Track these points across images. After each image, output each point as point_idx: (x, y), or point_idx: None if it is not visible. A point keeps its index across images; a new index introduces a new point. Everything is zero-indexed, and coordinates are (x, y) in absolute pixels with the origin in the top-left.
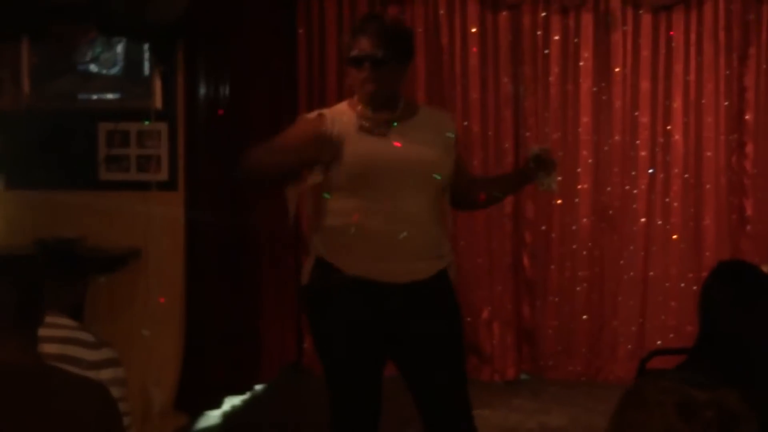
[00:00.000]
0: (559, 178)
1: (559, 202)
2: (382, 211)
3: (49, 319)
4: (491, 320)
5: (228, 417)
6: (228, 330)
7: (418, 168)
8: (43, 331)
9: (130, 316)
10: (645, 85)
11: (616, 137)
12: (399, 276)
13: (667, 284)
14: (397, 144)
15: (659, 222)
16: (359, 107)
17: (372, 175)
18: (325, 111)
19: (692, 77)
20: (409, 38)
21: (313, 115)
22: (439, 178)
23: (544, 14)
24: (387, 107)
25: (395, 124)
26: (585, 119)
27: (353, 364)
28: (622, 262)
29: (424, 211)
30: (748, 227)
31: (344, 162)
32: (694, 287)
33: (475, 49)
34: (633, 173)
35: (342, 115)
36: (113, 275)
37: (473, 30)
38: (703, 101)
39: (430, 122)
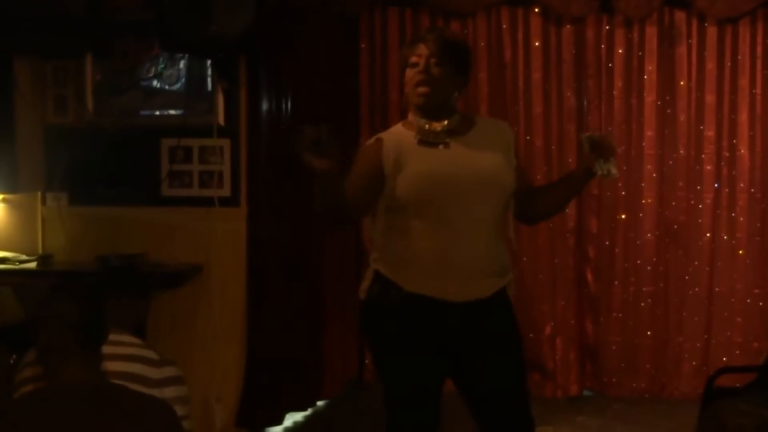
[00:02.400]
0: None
1: (623, 216)
2: (443, 227)
3: (112, 336)
4: (554, 336)
5: None
6: (290, 346)
7: (482, 179)
8: (106, 349)
9: (193, 333)
10: (710, 98)
11: (681, 151)
12: (458, 294)
13: (732, 300)
14: (459, 155)
15: (725, 237)
16: (415, 121)
17: (436, 189)
18: (383, 135)
19: (758, 91)
20: (465, 52)
21: (371, 141)
22: (503, 188)
23: (607, 28)
24: (441, 117)
25: (452, 135)
26: (649, 133)
27: (411, 381)
28: (687, 277)
29: (487, 225)
30: None
31: (407, 178)
32: (761, 303)
33: (538, 63)
34: (698, 187)
35: (399, 135)
36: (175, 291)
37: (536, 44)
38: None
39: (488, 132)
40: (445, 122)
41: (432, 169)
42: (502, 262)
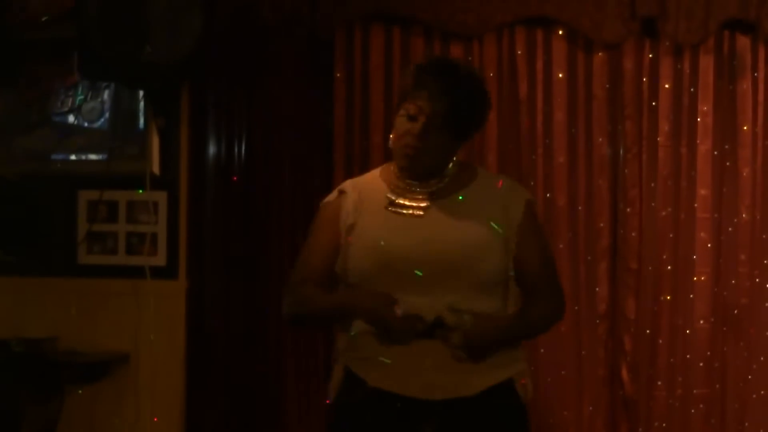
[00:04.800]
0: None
1: (668, 298)
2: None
3: None
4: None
5: None
6: None
7: (453, 259)
8: None
9: None
10: None
11: (744, 215)
12: (433, 391)
13: None
14: (431, 224)
15: None
16: (393, 176)
17: (390, 270)
18: (348, 185)
19: None
20: (482, 113)
21: (333, 196)
22: (477, 274)
23: (651, 56)
24: (429, 177)
25: (434, 197)
26: (703, 192)
27: None
28: (750, 377)
29: (472, 309)
30: None
31: (357, 249)
32: None
33: (561, 100)
34: (765, 262)
35: (369, 187)
36: (95, 387)
37: (560, 75)
38: None
39: (485, 196)
40: (432, 186)
41: (391, 242)
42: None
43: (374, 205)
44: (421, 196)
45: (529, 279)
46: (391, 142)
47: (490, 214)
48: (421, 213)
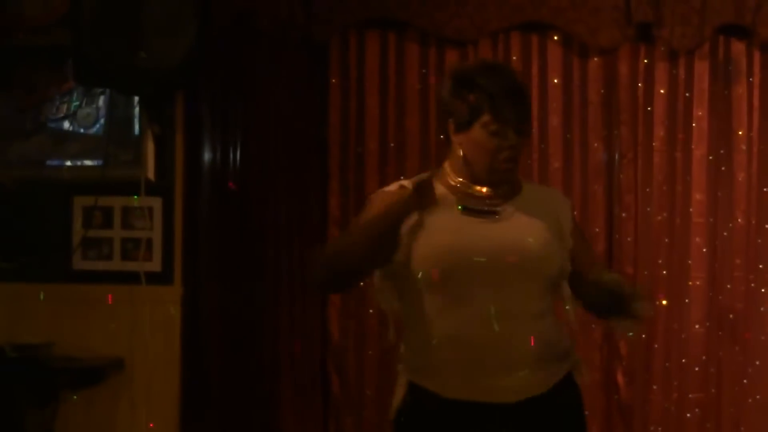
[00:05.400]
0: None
1: (664, 303)
2: (479, 313)
3: None
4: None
5: None
6: None
7: (524, 259)
8: None
9: None
10: None
11: (739, 220)
12: (508, 394)
13: None
14: (500, 228)
15: None
16: (458, 181)
17: (462, 270)
18: (407, 182)
19: None
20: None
21: (392, 187)
22: (547, 274)
23: (646, 61)
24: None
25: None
26: (698, 196)
27: None
28: (745, 381)
29: (531, 309)
30: None
31: (426, 252)
32: None
33: (557, 105)
34: (760, 266)
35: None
36: (90, 392)
37: (555, 81)
38: None
39: (538, 202)
40: (494, 191)
41: (462, 243)
42: (559, 346)
43: (441, 207)
44: (488, 200)
45: (587, 266)
46: (470, 161)
47: (547, 216)
48: (495, 216)
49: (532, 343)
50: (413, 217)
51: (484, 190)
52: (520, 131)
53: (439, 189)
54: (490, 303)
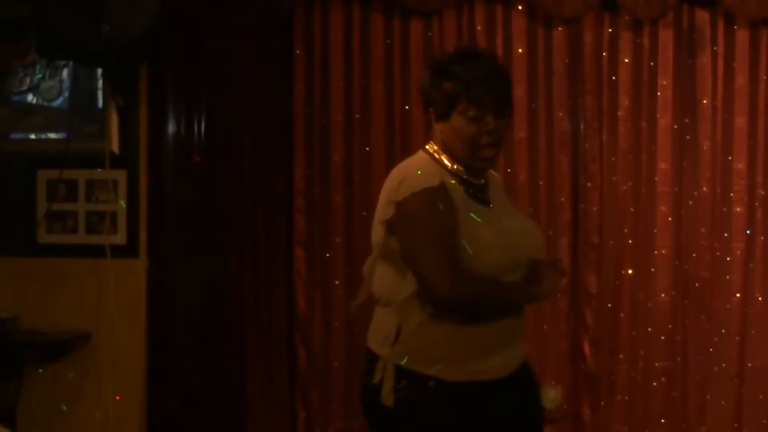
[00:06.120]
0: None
1: (630, 272)
2: None
3: None
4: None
5: None
6: None
7: (536, 247)
8: None
9: (77, 420)
10: (740, 121)
11: (704, 188)
12: (502, 369)
13: None
14: (507, 218)
15: (759, 298)
16: (454, 167)
17: (493, 260)
18: (436, 173)
19: None
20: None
21: (435, 182)
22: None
23: (610, 30)
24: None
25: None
26: (663, 165)
27: None
28: (711, 349)
29: None
30: None
31: (489, 247)
32: None
33: (521, 75)
34: (725, 235)
35: (444, 178)
36: (55, 366)
37: (519, 51)
38: None
39: (495, 181)
40: (482, 177)
41: (495, 231)
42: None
43: (462, 199)
44: (484, 191)
45: None
46: (449, 147)
47: (505, 195)
48: (490, 205)
49: (518, 324)
50: (461, 209)
51: (481, 179)
52: (499, 115)
53: (441, 172)
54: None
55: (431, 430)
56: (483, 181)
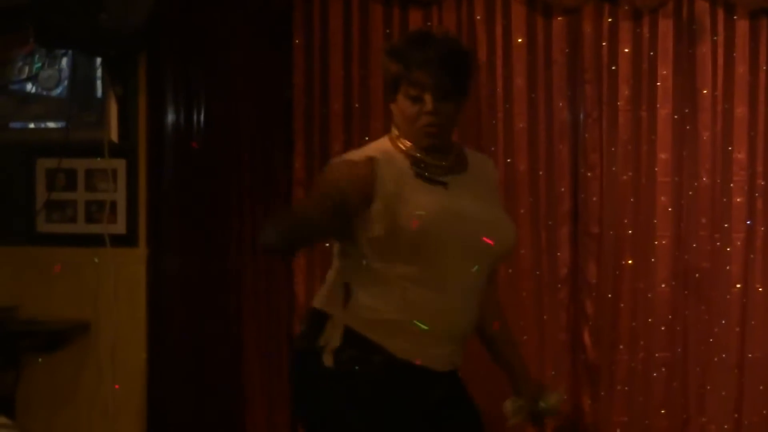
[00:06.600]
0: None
1: (630, 262)
2: (444, 283)
3: None
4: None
5: None
6: (202, 426)
7: (488, 232)
8: None
9: (77, 409)
10: (741, 111)
11: (704, 179)
12: (445, 363)
13: None
14: (461, 199)
15: (759, 288)
16: (408, 147)
17: (439, 236)
18: (372, 153)
19: None
20: (471, 69)
21: (358, 156)
22: (503, 248)
23: (610, 20)
24: (440, 151)
25: (450, 173)
26: (663, 156)
27: None
28: (711, 340)
29: (481, 285)
30: None
31: (406, 217)
32: None
33: (521, 65)
34: (726, 225)
35: (392, 158)
36: (54, 356)
37: (519, 41)
38: None
39: (483, 173)
40: (444, 160)
41: (437, 210)
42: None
43: (405, 175)
44: (440, 171)
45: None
46: (399, 127)
47: (493, 189)
48: (446, 188)
49: (472, 324)
50: (389, 188)
51: (443, 162)
52: (439, 97)
53: (398, 155)
54: (458, 275)
55: (366, 404)
56: (445, 164)
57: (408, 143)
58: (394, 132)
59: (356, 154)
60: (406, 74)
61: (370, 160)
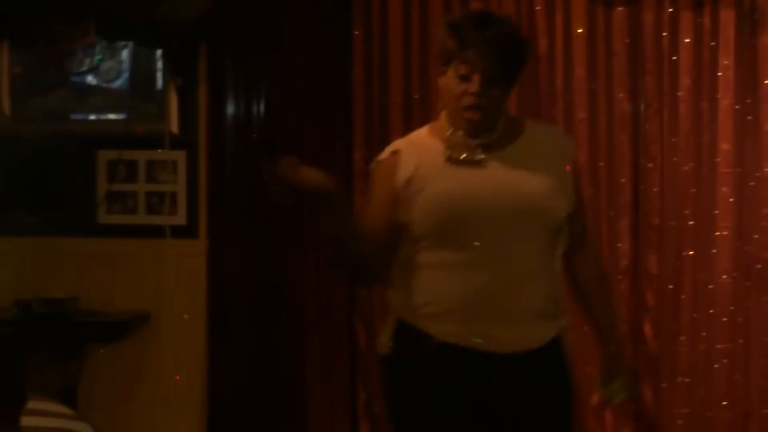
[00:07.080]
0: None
1: (691, 253)
2: (480, 262)
3: (33, 404)
4: (602, 407)
5: None
6: (262, 416)
7: (525, 206)
8: (25, 421)
9: (138, 399)
10: None
11: (766, 169)
12: (503, 345)
13: None
14: (496, 174)
15: None
16: (448, 132)
17: (462, 219)
18: (400, 144)
19: None
20: (525, 56)
21: (385, 155)
22: (550, 219)
23: (671, 10)
24: (484, 131)
25: (490, 149)
26: (725, 146)
27: None
28: None
29: (535, 260)
30: None
31: (427, 201)
32: None
33: (581, 56)
34: None
35: (422, 145)
36: (116, 346)
37: (579, 31)
38: None
39: (540, 143)
40: (487, 138)
41: (457, 193)
42: (554, 303)
43: (433, 160)
44: (479, 150)
45: (580, 222)
46: (444, 104)
47: (549, 160)
48: (484, 166)
49: (533, 300)
50: (406, 173)
51: (465, 139)
52: (488, 80)
53: (431, 141)
54: (501, 253)
55: (418, 388)
56: (484, 141)
57: (446, 125)
58: (441, 118)
59: (389, 149)
60: (460, 51)
61: (394, 154)
